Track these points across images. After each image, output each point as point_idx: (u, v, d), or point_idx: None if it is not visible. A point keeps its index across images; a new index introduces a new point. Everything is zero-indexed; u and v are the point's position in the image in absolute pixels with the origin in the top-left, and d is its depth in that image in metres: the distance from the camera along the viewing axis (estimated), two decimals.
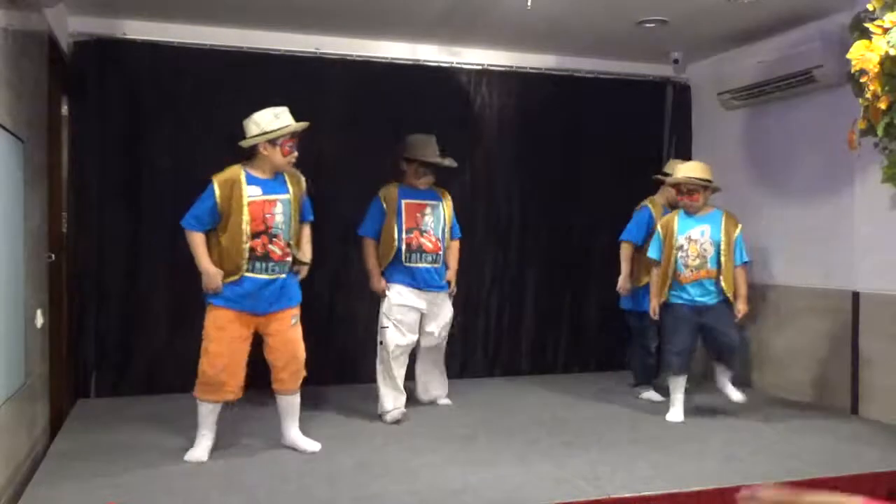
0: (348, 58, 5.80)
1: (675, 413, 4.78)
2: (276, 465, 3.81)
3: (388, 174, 5.95)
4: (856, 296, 4.93)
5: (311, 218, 4.25)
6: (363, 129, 5.79)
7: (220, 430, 4.21)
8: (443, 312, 4.93)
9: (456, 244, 5.07)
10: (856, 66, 3.66)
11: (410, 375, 4.99)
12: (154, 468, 3.73)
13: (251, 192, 3.88)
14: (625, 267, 5.38)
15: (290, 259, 4.01)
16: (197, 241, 3.90)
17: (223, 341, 3.87)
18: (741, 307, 4.71)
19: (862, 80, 3.67)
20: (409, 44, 5.96)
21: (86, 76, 5.28)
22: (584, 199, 6.35)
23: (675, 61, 6.15)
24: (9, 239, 3.57)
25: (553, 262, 6.32)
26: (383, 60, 5.87)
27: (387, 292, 4.77)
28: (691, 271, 4.68)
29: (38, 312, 4.27)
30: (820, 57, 4.95)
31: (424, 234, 4.79)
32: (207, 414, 3.92)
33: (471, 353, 6.16)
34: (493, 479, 3.59)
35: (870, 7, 3.70)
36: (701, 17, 5.19)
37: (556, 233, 6.33)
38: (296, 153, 4.00)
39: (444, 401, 5.17)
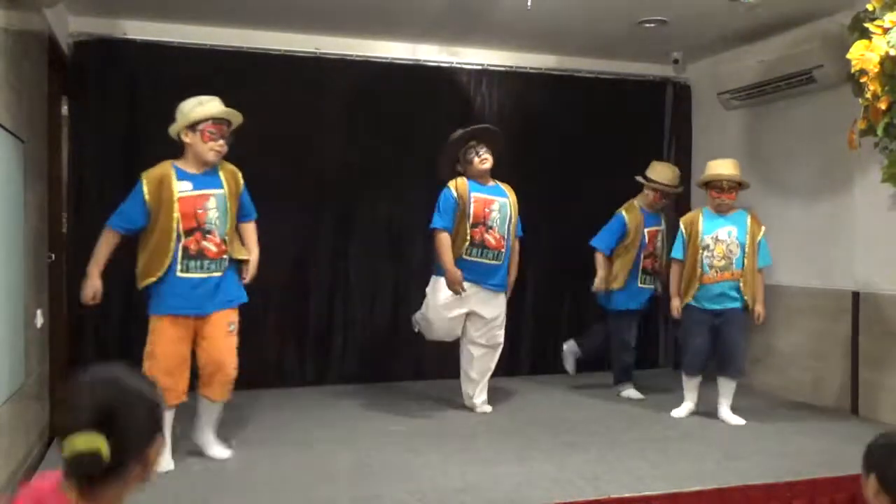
0: (348, 58, 5.80)
1: (682, 409, 4.80)
2: (276, 465, 3.81)
3: (388, 174, 5.97)
4: (856, 296, 4.93)
5: (255, 216, 4.09)
6: (363, 129, 5.79)
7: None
8: (494, 312, 4.84)
9: (517, 244, 4.97)
10: (856, 66, 3.66)
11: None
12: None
13: (181, 188, 3.71)
14: (601, 272, 5.44)
15: (226, 256, 3.82)
16: (105, 241, 3.73)
17: (161, 346, 3.70)
18: (760, 310, 4.70)
19: (862, 80, 3.67)
20: (409, 44, 5.95)
21: (86, 76, 5.28)
22: (583, 199, 6.34)
23: (675, 61, 6.15)
24: (9, 239, 3.57)
25: (553, 262, 6.31)
26: (383, 60, 5.87)
27: (435, 291, 4.72)
28: (716, 272, 4.65)
29: (38, 312, 4.26)
30: (820, 57, 4.95)
31: (489, 231, 4.71)
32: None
33: None
34: (493, 479, 3.59)
35: (870, 7, 3.70)
36: (701, 17, 5.19)
37: (556, 233, 6.32)
38: (222, 142, 3.78)
39: (484, 408, 4.96)
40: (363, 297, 5.91)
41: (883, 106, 3.60)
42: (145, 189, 3.73)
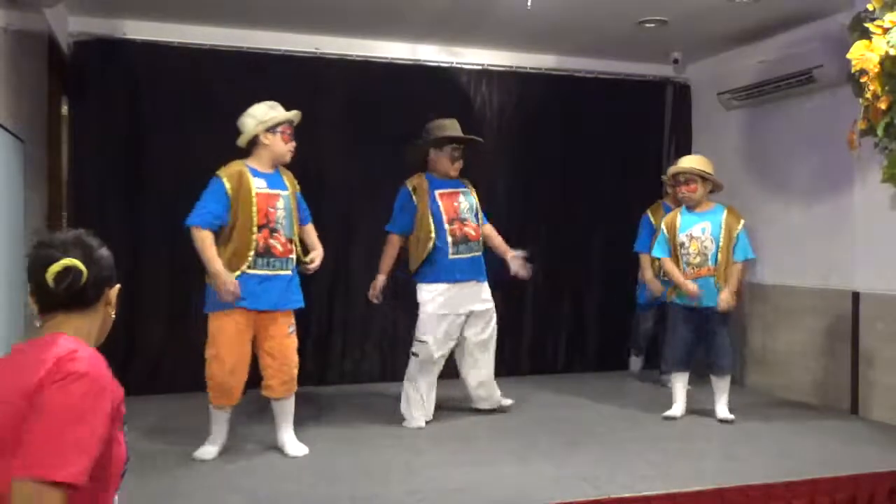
0: (348, 58, 5.80)
1: (675, 409, 4.78)
2: (277, 465, 3.81)
3: (388, 174, 5.97)
4: (856, 296, 4.93)
5: (310, 220, 4.24)
6: (363, 128, 5.79)
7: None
8: (487, 304, 4.67)
9: (489, 226, 4.87)
10: (856, 66, 3.66)
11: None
12: (155, 469, 3.72)
13: (258, 184, 3.85)
14: (647, 273, 5.51)
15: (293, 256, 3.96)
16: (207, 241, 3.74)
17: (226, 345, 3.79)
18: (725, 296, 4.52)
19: (862, 80, 3.66)
20: (409, 44, 5.96)
21: (86, 76, 5.28)
22: (583, 199, 6.35)
23: (675, 61, 6.15)
24: (9, 239, 3.57)
25: (553, 262, 6.31)
26: (383, 60, 5.87)
27: (423, 299, 4.54)
28: (693, 269, 4.65)
29: None
30: (820, 57, 4.95)
31: (465, 223, 4.59)
32: (220, 418, 3.90)
33: None
34: (493, 479, 3.59)
35: (870, 7, 3.70)
36: (701, 17, 5.19)
37: (556, 232, 6.32)
38: (294, 144, 3.99)
39: (507, 400, 4.91)
40: (363, 297, 5.89)
41: (883, 106, 3.60)
42: (227, 184, 3.81)
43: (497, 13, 5.13)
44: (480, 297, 4.68)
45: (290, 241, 3.95)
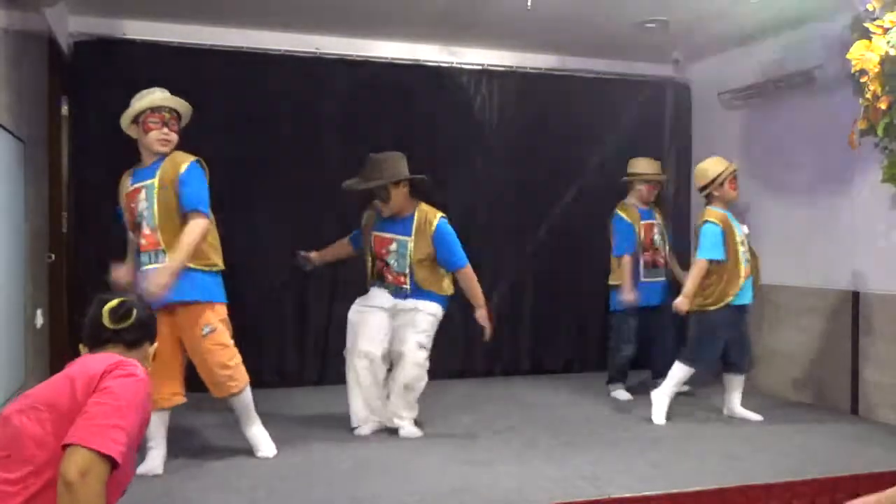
0: (348, 58, 5.80)
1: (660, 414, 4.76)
2: (276, 465, 3.81)
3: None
4: (856, 296, 4.93)
5: (192, 208, 3.60)
6: (363, 129, 5.79)
7: (219, 429, 4.22)
8: (406, 327, 4.39)
9: (463, 272, 4.43)
10: (856, 66, 3.67)
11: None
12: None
13: (128, 185, 3.80)
14: (628, 279, 5.35)
15: (163, 249, 3.61)
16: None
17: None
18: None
19: (862, 80, 3.68)
20: (409, 44, 5.96)
21: (86, 76, 5.28)
22: (583, 199, 6.35)
23: (676, 61, 6.16)
24: (9, 239, 3.57)
25: (552, 262, 6.32)
26: (383, 60, 5.87)
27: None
28: (748, 266, 4.67)
29: (38, 312, 4.27)
30: (820, 57, 4.96)
31: (387, 268, 4.45)
32: (152, 426, 3.58)
33: (470, 353, 6.15)
34: (492, 479, 3.60)
35: (870, 7, 3.70)
36: (701, 17, 5.20)
37: (556, 233, 6.32)
38: (166, 130, 3.68)
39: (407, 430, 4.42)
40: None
41: (883, 106, 3.61)
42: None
43: (497, 13, 5.13)
44: (399, 312, 4.43)
45: (155, 231, 3.63)
